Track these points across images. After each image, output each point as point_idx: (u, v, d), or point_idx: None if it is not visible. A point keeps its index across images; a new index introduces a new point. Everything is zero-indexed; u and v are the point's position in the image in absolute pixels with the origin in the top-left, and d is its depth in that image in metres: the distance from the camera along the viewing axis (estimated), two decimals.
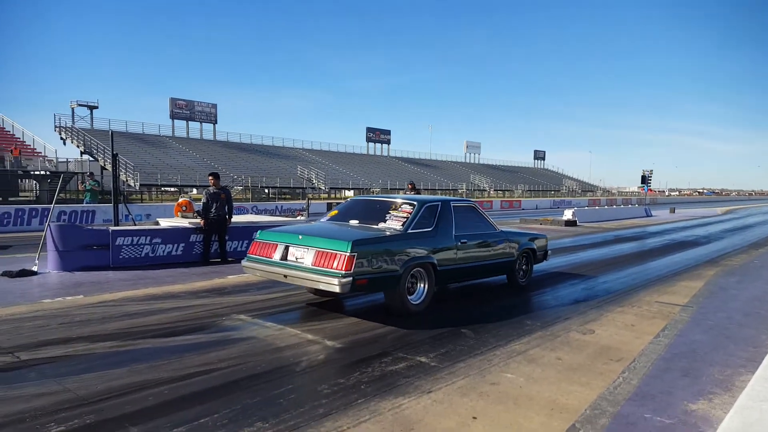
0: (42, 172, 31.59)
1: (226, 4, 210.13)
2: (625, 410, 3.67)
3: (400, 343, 5.09)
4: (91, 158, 41.36)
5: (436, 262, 6.28)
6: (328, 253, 5.56)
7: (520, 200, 47.80)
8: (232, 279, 8.25)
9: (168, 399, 3.67)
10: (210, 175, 10.27)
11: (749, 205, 56.70)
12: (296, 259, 5.87)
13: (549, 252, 8.90)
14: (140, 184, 37.96)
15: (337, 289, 5.37)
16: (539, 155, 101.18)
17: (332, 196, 48.94)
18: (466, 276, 7.21)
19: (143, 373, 4.16)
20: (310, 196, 35.46)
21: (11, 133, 35.92)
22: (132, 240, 9.24)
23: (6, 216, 16.36)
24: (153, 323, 5.63)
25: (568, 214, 22.76)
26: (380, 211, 6.66)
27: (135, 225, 11.05)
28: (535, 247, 8.27)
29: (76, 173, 33.58)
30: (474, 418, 3.50)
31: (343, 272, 5.36)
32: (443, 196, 7.74)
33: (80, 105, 47.41)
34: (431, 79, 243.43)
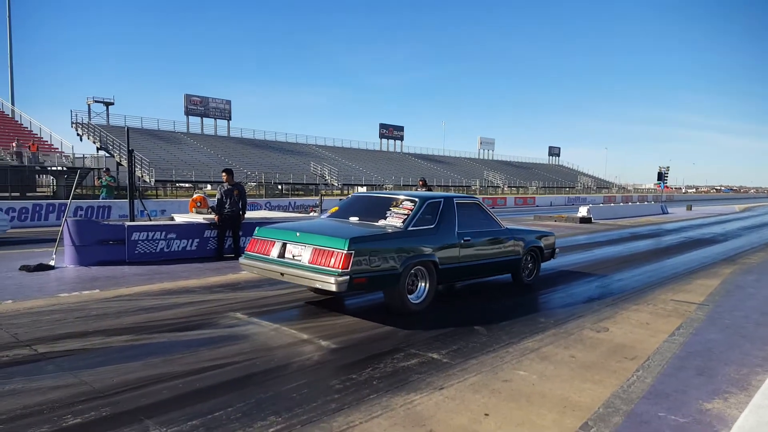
0: (59, 168, 32.00)
1: (240, 0, 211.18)
2: (638, 409, 3.64)
3: (412, 340, 5.09)
4: (107, 154, 41.93)
5: (437, 260, 6.14)
6: (325, 250, 5.44)
7: (535, 197, 47.51)
8: (245, 274, 8.29)
9: (182, 392, 3.72)
10: (223, 171, 10.34)
11: None
12: (293, 256, 5.76)
13: (557, 250, 8.71)
14: (155, 180, 38.35)
15: (333, 288, 5.23)
16: (554, 151, 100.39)
17: (345, 192, 49.01)
18: (469, 275, 7.05)
19: (158, 366, 4.21)
20: (323, 192, 35.59)
21: (29, 129, 36.42)
22: (147, 235, 9.34)
23: (24, 211, 16.63)
24: (168, 318, 5.69)
25: (582, 211, 22.57)
26: (381, 207, 6.49)
27: (150, 220, 11.17)
28: (542, 245, 8.07)
29: (93, 169, 34.03)
30: (486, 414, 3.50)
31: (340, 270, 5.23)
32: (446, 193, 7.64)
33: (96, 101, 47.93)
34: (445, 75, 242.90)
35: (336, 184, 50.79)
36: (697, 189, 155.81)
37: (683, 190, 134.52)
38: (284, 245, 5.90)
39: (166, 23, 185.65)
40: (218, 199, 9.91)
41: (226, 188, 9.89)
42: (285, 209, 23.98)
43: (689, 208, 36.19)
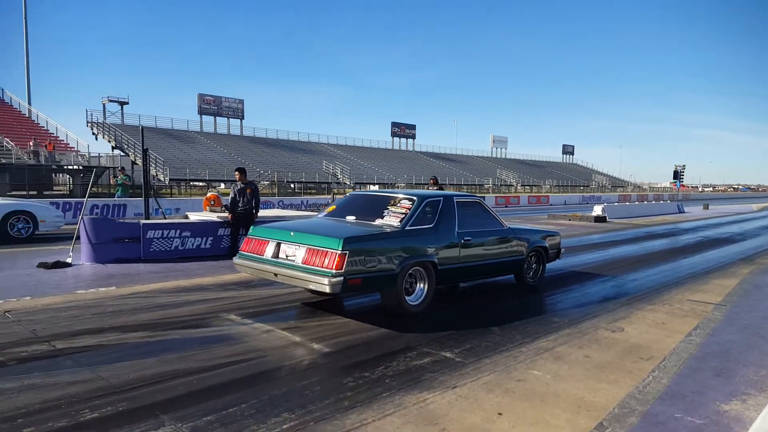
0: (75, 167, 32.44)
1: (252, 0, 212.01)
2: (654, 409, 3.60)
3: (424, 338, 5.09)
4: (122, 153, 42.37)
5: (436, 260, 5.98)
6: (319, 250, 5.30)
7: (548, 195, 47.24)
8: None
9: (197, 388, 3.75)
10: (236, 170, 10.39)
11: None
12: (287, 256, 5.63)
13: (563, 250, 8.45)
14: (170, 179, 38.67)
15: (327, 290, 5.12)
16: (568, 150, 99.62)
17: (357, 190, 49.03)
18: (470, 275, 6.88)
19: (173, 362, 4.25)
20: (335, 190, 35.66)
21: (45, 128, 36.94)
22: (162, 233, 9.44)
23: None
24: (182, 314, 5.75)
25: (597, 210, 22.38)
26: (379, 206, 6.33)
27: (165, 219, 11.28)
28: (547, 245, 7.82)
29: (108, 168, 34.42)
30: (499, 414, 3.49)
31: (334, 271, 5.09)
32: (447, 191, 7.50)
33: (111, 101, 48.47)
34: (457, 74, 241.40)
35: (348, 183, 50.87)
36: (714, 188, 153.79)
37: (700, 189, 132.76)
38: (278, 245, 5.77)
39: (178, 23, 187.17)
40: (231, 197, 9.97)
41: (239, 187, 9.96)
42: (298, 208, 24.08)
43: (706, 206, 35.74)
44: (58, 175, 35.82)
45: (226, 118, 57.10)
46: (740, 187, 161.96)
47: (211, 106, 55.54)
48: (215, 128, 56.60)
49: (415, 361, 4.45)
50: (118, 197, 18.56)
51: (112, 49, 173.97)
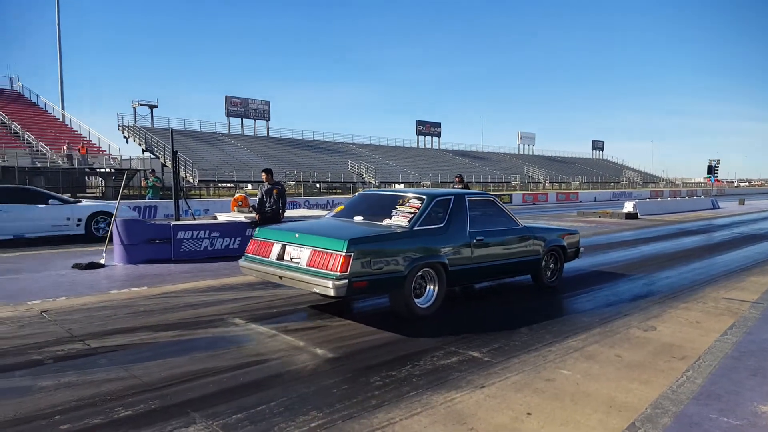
0: (107, 170, 33.31)
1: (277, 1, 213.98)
2: (688, 410, 3.52)
3: (451, 338, 5.06)
4: (152, 155, 43.27)
5: (447, 261, 5.77)
6: (323, 252, 5.15)
7: (578, 192, 46.43)
8: None
9: (227, 386, 3.81)
10: (263, 171, 10.50)
11: None
12: (291, 259, 5.48)
13: (582, 249, 8.10)
14: (198, 180, 39.35)
15: (331, 293, 4.93)
16: (597, 145, 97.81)
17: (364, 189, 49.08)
18: (483, 277, 6.66)
19: (204, 361, 4.32)
20: (360, 190, 35.79)
21: (78, 132, 37.96)
22: (192, 234, 9.61)
23: None
24: (212, 314, 5.84)
25: (628, 207, 21.96)
26: (387, 206, 6.15)
27: (195, 219, 11.47)
28: (565, 244, 7.52)
29: (139, 170, 35.21)
30: (528, 414, 3.45)
31: (339, 274, 4.94)
32: (458, 190, 7.34)
33: (141, 104, 49.59)
34: (482, 70, 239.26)
35: (373, 182, 50.92)
36: (750, 182, 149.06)
37: (735, 184, 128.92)
38: (284, 247, 5.63)
39: (207, 26, 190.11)
40: (259, 198, 10.08)
41: (266, 188, 10.06)
42: (323, 207, 24.21)
43: (742, 202, 34.73)
44: (90, 177, 36.79)
45: (252, 120, 57.80)
46: None
47: (238, 108, 56.29)
48: (242, 130, 57.35)
49: (442, 360, 4.44)
50: (149, 199, 18.97)
51: (142, 52, 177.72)
